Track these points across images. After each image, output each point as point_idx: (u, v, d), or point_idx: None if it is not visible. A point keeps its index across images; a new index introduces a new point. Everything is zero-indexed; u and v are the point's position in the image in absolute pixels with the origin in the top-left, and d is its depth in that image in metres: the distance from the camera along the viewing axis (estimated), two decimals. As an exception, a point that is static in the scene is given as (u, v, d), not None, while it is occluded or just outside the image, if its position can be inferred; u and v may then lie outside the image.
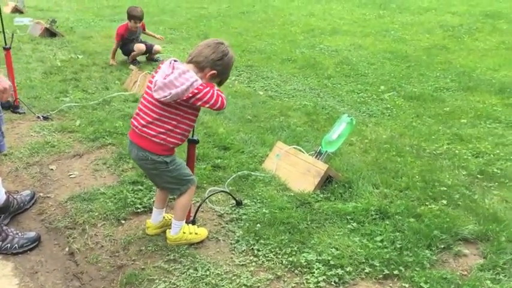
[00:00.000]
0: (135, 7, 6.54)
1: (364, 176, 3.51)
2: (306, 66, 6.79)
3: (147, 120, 2.47)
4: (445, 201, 3.21)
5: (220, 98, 2.46)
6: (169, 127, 2.48)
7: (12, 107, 4.69)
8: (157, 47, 6.87)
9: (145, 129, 2.48)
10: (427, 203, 3.20)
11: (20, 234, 2.79)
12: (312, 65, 6.84)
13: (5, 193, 3.00)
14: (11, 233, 2.76)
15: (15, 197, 3.09)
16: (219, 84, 2.66)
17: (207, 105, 2.44)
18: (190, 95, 2.37)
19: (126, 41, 6.66)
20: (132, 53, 6.67)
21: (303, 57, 7.22)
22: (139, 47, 6.65)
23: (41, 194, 3.28)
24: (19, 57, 6.69)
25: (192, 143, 2.78)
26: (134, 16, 6.45)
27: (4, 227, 2.78)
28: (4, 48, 4.68)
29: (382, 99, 5.52)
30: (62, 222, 2.97)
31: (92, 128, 4.31)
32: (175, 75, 2.35)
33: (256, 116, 4.86)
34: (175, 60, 2.47)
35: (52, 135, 4.18)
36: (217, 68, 2.51)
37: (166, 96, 2.36)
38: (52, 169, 3.61)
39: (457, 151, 4.06)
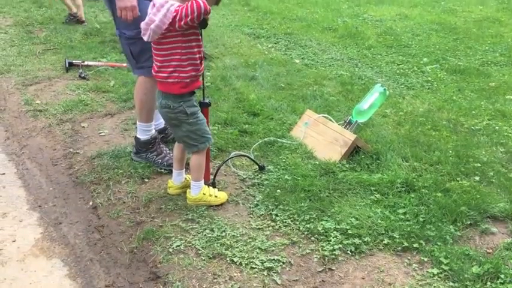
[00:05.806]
0: None
1: (394, 148, 3.39)
2: (346, 35, 6.57)
3: (158, 65, 2.57)
4: (477, 178, 3.06)
5: (194, 5, 2.31)
6: (176, 63, 2.52)
7: None
8: None
9: (159, 73, 2.57)
10: (458, 179, 3.06)
11: (171, 154, 3.10)
12: (353, 34, 6.61)
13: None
14: (164, 151, 3.16)
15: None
16: (216, 3, 2.59)
17: (189, 19, 2.33)
18: (171, 20, 2.35)
19: None
20: None
21: (344, 27, 6.99)
22: None
23: (71, 150, 3.38)
24: (61, 18, 6.82)
25: (204, 106, 2.75)
26: None
27: (161, 145, 3.17)
28: None
29: (424, 71, 5.28)
30: (88, 177, 3.06)
31: (125, 88, 4.37)
32: (153, 11, 2.39)
33: (289, 83, 4.77)
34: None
35: (86, 94, 4.26)
36: None
37: (150, 34, 2.41)
38: (84, 126, 3.70)
39: (497, 127, 3.85)
